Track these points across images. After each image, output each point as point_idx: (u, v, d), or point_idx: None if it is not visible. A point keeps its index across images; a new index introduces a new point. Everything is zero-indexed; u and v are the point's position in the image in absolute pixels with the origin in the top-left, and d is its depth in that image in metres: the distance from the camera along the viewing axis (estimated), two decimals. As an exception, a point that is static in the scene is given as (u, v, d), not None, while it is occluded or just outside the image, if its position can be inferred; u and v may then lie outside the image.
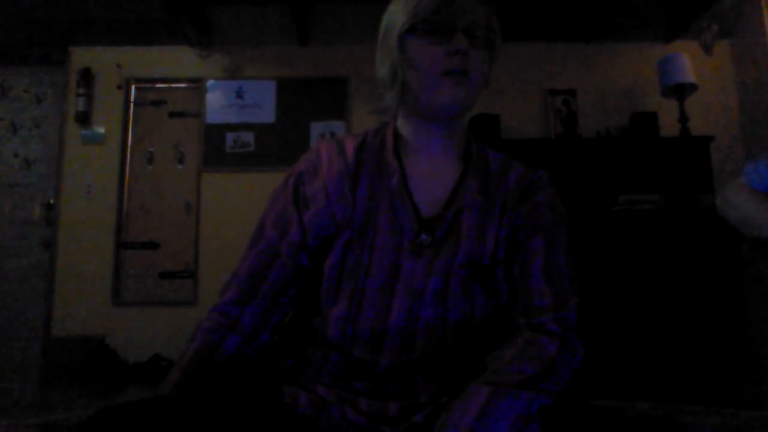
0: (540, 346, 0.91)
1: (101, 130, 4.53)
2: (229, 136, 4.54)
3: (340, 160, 1.06)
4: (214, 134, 4.54)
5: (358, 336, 0.96)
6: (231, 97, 4.60)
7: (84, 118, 4.51)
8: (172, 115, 4.62)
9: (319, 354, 0.99)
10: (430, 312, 0.96)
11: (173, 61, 4.66)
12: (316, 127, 4.53)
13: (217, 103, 4.60)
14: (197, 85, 4.64)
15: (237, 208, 4.33)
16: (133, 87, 4.64)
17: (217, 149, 4.52)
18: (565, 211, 1.08)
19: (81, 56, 4.62)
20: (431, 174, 1.05)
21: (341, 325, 0.97)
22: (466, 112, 1.06)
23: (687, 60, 4.14)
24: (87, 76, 4.53)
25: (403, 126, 1.09)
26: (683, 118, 4.11)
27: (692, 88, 4.17)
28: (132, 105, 4.62)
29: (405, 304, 0.96)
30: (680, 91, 4.14)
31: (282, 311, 1.05)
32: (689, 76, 4.10)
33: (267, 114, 4.57)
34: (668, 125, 4.32)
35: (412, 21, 0.99)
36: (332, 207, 1.02)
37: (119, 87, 4.59)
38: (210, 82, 4.63)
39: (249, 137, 4.53)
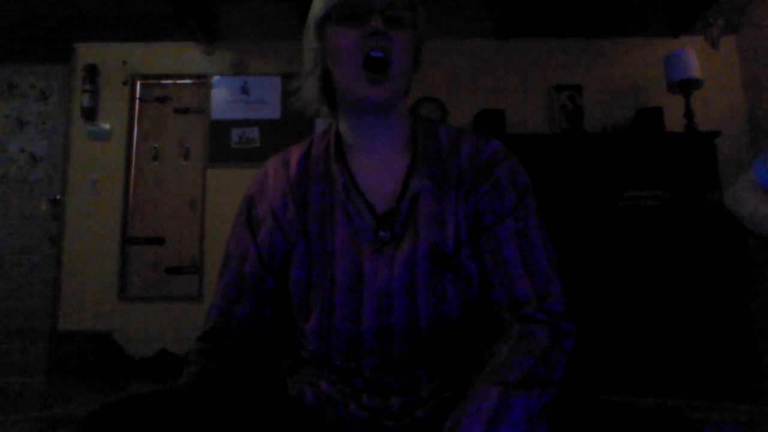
0: (532, 337, 0.88)
1: (107, 126, 4.54)
2: (235, 132, 4.54)
3: (284, 176, 1.05)
4: (220, 130, 4.55)
5: (334, 347, 0.95)
6: (236, 93, 4.61)
7: (90, 114, 4.52)
8: (177, 111, 4.63)
9: (312, 359, 1.00)
10: (401, 309, 0.94)
11: (178, 58, 4.67)
12: (321, 123, 4.53)
13: (222, 99, 4.60)
14: (202, 81, 4.64)
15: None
16: (138, 83, 4.65)
17: (222, 145, 4.53)
18: (528, 179, 1.02)
19: (86, 53, 4.64)
20: (379, 168, 1.02)
21: (317, 338, 0.96)
22: (398, 101, 1.03)
23: (693, 55, 4.12)
24: (92, 73, 4.54)
25: (343, 125, 1.07)
26: (689, 114, 4.09)
27: (698, 83, 4.15)
28: (137, 101, 4.63)
29: (374, 306, 0.94)
30: (686, 87, 4.12)
31: (264, 330, 1.05)
32: (695, 71, 4.08)
33: (272, 110, 4.58)
34: (674, 121, 4.30)
35: (328, 6, 0.97)
36: (281, 224, 1.01)
37: (125, 83, 4.60)
38: (215, 78, 4.63)
39: (254, 133, 4.53)
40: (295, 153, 1.09)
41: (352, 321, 0.94)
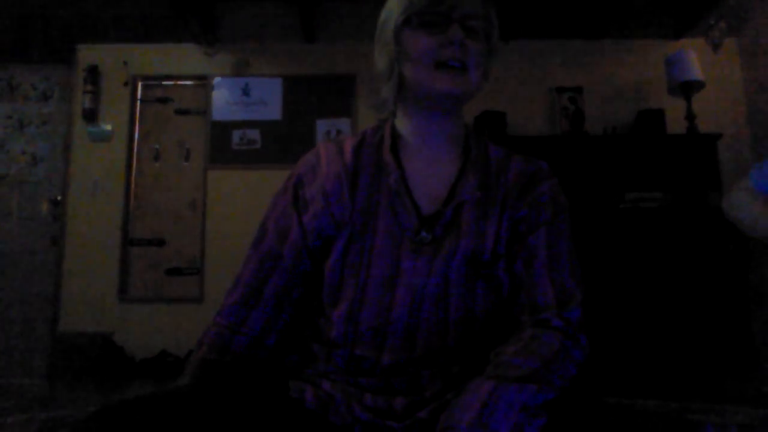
0: (542, 341, 0.90)
1: (108, 127, 4.54)
2: (235, 133, 4.54)
3: (339, 161, 1.05)
4: (220, 131, 4.55)
5: (360, 335, 0.96)
6: (237, 95, 4.61)
7: (91, 116, 4.52)
8: (178, 112, 4.64)
9: (323, 352, 1.00)
10: (432, 309, 0.95)
11: (179, 59, 4.67)
12: (322, 125, 4.53)
13: (223, 100, 4.60)
14: (203, 82, 4.65)
15: (243, 205, 4.34)
16: (139, 84, 4.65)
17: (223, 146, 4.53)
18: (567, 202, 1.07)
19: (88, 54, 4.64)
20: (430, 171, 1.04)
21: (343, 325, 0.97)
22: (464, 104, 1.05)
23: (694, 57, 4.12)
24: (94, 74, 4.55)
25: (401, 123, 1.08)
26: (690, 116, 4.09)
27: (699, 85, 4.15)
28: (138, 102, 4.63)
29: (406, 303, 0.95)
30: (687, 89, 4.12)
31: (287, 314, 1.04)
32: (696, 73, 4.08)
33: (273, 111, 4.58)
34: (675, 123, 4.30)
35: (407, 13, 0.99)
36: (331, 208, 1.01)
37: (126, 84, 4.60)
38: (216, 80, 4.63)
39: (255, 134, 4.53)
40: (349, 142, 1.09)
41: (381, 311, 0.95)
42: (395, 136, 1.08)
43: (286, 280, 1.03)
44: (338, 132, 4.51)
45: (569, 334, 0.92)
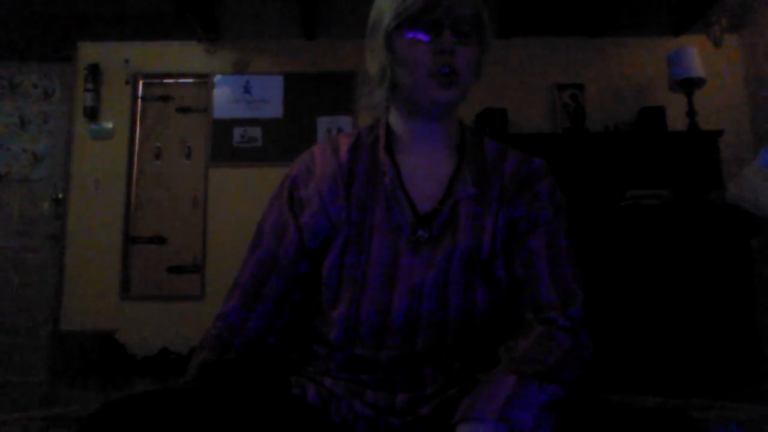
0: (556, 340, 0.91)
1: (109, 125, 4.54)
2: (237, 131, 4.54)
3: (334, 161, 1.06)
4: (222, 129, 4.55)
5: (359, 335, 0.96)
6: (238, 92, 4.61)
7: (92, 114, 4.52)
8: (179, 110, 4.63)
9: (323, 351, 1.00)
10: (431, 307, 0.96)
11: (180, 57, 4.67)
12: (324, 122, 4.53)
13: (224, 98, 4.60)
14: (204, 80, 4.64)
15: (244, 202, 4.33)
16: (140, 82, 4.65)
17: (224, 144, 4.53)
18: (565, 199, 1.08)
19: (89, 52, 4.64)
20: (426, 169, 1.05)
21: (343, 326, 0.97)
22: (457, 107, 1.06)
23: (695, 54, 4.11)
24: (95, 72, 4.54)
25: (396, 122, 1.09)
26: (692, 113, 4.09)
27: (701, 82, 4.14)
28: (140, 100, 4.63)
29: (405, 302, 0.96)
30: (689, 86, 4.11)
31: (287, 315, 1.05)
32: (698, 70, 4.08)
33: (274, 109, 4.57)
34: (676, 120, 4.30)
35: (400, 19, 0.98)
36: (327, 208, 1.02)
37: (127, 82, 4.60)
38: (217, 77, 4.63)
39: (256, 132, 4.53)
40: (344, 142, 1.09)
41: (380, 310, 0.96)
42: (390, 135, 1.08)
43: (284, 282, 1.03)
44: (339, 130, 4.51)
45: (576, 334, 0.93)
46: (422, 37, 0.98)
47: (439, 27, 0.97)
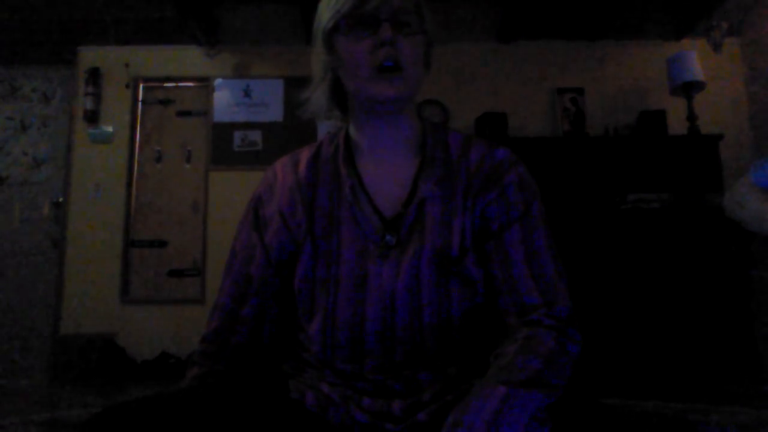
0: (540, 340, 0.89)
1: (109, 128, 4.54)
2: (237, 135, 4.54)
3: (293, 176, 1.06)
4: (222, 133, 4.55)
5: (338, 349, 0.96)
6: (238, 96, 4.61)
7: (92, 117, 4.52)
8: (179, 113, 4.64)
9: (314, 360, 1.00)
10: (405, 312, 0.94)
11: (181, 60, 4.67)
12: (324, 126, 4.53)
13: (224, 101, 4.60)
14: (205, 83, 4.65)
15: (244, 206, 4.32)
16: (141, 86, 4.65)
17: (224, 148, 4.53)
18: (536, 188, 1.03)
19: (89, 55, 4.64)
20: (388, 172, 1.03)
21: (320, 341, 0.97)
22: (409, 102, 1.04)
23: (695, 58, 4.12)
24: (95, 76, 4.55)
25: (353, 129, 1.08)
26: (692, 117, 4.09)
27: (701, 86, 4.15)
28: (140, 104, 4.63)
29: (378, 310, 0.94)
30: (689, 89, 4.11)
31: (268, 331, 1.06)
32: (698, 74, 4.08)
33: (274, 113, 4.58)
34: (677, 123, 4.30)
35: (336, 18, 0.97)
36: (288, 225, 1.02)
37: (127, 86, 4.60)
38: (217, 81, 4.63)
39: (256, 136, 4.54)
40: (305, 155, 1.09)
41: (355, 323, 0.94)
42: (349, 143, 1.07)
43: (261, 300, 1.04)
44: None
45: (562, 331, 0.91)
46: (359, 33, 0.96)
47: (375, 21, 0.95)
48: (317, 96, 1.06)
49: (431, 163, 1.02)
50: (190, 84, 4.67)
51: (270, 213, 1.06)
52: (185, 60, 4.67)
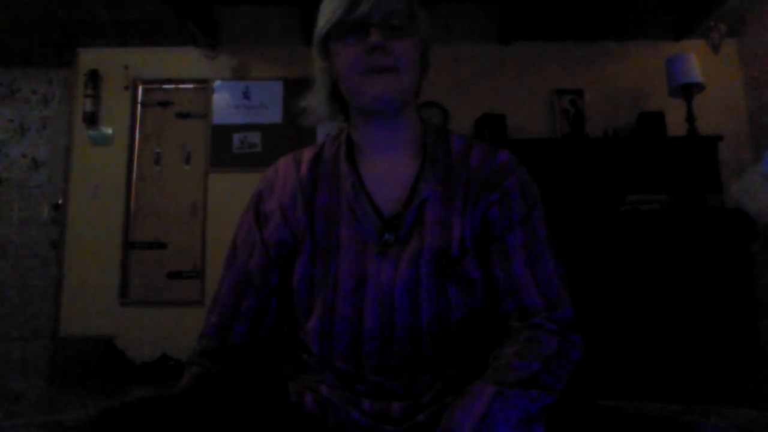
0: (541, 342, 0.89)
1: (108, 130, 4.55)
2: (236, 137, 4.54)
3: (295, 174, 1.07)
4: (221, 135, 4.55)
5: (336, 349, 0.96)
6: (238, 98, 4.61)
7: (91, 119, 4.52)
8: (179, 115, 4.64)
9: (313, 361, 1.00)
10: (403, 311, 0.94)
11: (180, 62, 4.67)
12: (323, 128, 4.53)
13: (223, 103, 4.60)
14: (204, 85, 4.65)
15: (243, 208, 4.32)
16: (140, 88, 4.66)
17: (223, 150, 4.53)
18: (537, 190, 1.03)
19: (88, 57, 4.64)
20: (388, 173, 1.04)
21: (318, 340, 0.97)
22: (406, 104, 1.04)
23: (694, 59, 4.12)
24: (94, 78, 4.55)
25: (354, 130, 1.08)
26: (691, 118, 4.09)
27: (700, 87, 4.15)
28: (139, 106, 4.64)
29: (376, 308, 0.94)
30: (688, 91, 4.12)
31: (268, 327, 1.05)
32: (697, 75, 4.08)
33: (274, 114, 4.58)
34: (676, 125, 4.30)
35: (328, 26, 0.99)
36: (288, 221, 1.03)
37: (126, 88, 4.60)
38: (217, 83, 4.64)
39: (255, 138, 4.54)
40: (307, 154, 1.10)
41: (353, 321, 0.95)
42: (350, 144, 1.08)
43: (260, 296, 1.04)
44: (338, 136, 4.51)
45: (564, 335, 0.91)
46: (350, 39, 0.97)
47: (365, 27, 0.96)
48: (316, 102, 1.08)
49: (432, 164, 1.03)
50: (190, 86, 4.67)
51: (270, 209, 1.06)
52: (184, 62, 4.67)
